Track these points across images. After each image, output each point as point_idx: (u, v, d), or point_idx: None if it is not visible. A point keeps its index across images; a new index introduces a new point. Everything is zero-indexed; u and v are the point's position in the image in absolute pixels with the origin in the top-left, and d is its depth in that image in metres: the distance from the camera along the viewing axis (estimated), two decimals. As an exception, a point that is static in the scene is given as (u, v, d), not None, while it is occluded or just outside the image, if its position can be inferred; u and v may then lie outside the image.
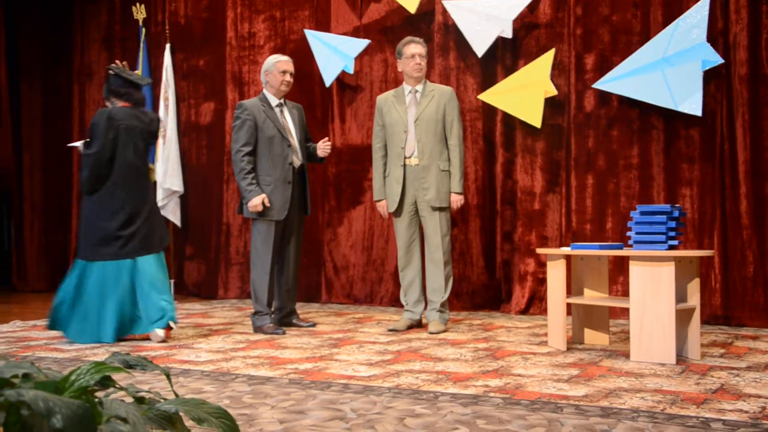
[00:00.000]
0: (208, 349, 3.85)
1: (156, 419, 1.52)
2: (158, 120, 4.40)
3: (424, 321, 4.64)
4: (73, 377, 1.47)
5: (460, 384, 2.91)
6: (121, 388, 1.58)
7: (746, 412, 2.44)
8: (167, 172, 6.59)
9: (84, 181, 4.15)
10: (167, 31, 6.82)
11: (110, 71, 4.27)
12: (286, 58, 4.65)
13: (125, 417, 1.38)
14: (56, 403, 1.21)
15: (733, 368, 3.21)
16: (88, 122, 7.26)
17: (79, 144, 4.32)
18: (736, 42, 4.64)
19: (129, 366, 1.63)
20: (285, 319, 4.67)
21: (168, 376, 1.68)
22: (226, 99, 6.54)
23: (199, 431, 2.20)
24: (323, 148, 4.66)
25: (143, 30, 6.90)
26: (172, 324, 4.11)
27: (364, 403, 2.59)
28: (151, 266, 4.15)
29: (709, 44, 4.60)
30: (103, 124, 4.08)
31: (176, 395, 1.69)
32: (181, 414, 1.56)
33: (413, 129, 4.44)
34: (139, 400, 1.57)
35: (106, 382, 1.51)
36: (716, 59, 4.59)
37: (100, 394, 1.54)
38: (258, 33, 6.41)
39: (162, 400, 1.61)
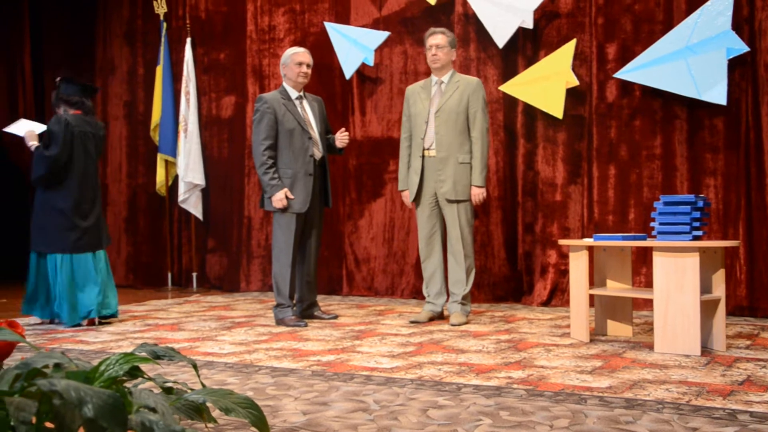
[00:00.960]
0: (231, 341, 3.87)
1: (184, 409, 1.54)
2: (104, 127, 4.92)
3: (445, 313, 4.63)
4: (102, 367, 1.49)
5: (483, 376, 2.90)
6: (150, 379, 1.59)
7: (773, 403, 2.41)
8: (189, 165, 6.62)
9: (38, 178, 4.50)
10: (188, 26, 6.85)
11: (59, 79, 4.67)
12: (302, 50, 4.66)
13: (154, 407, 1.39)
14: (87, 392, 1.22)
15: (759, 360, 3.17)
16: (110, 116, 7.39)
17: (16, 131, 4.68)
18: (762, 29, 4.56)
19: (157, 357, 1.65)
20: (307, 312, 4.69)
21: (195, 367, 1.70)
22: (246, 92, 6.56)
23: (227, 421, 2.22)
24: (341, 138, 4.66)
25: (164, 24, 6.94)
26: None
27: (387, 395, 2.59)
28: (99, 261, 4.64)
29: (733, 32, 4.53)
30: (63, 130, 4.48)
31: (203, 386, 1.71)
32: (208, 404, 1.57)
33: (433, 120, 4.42)
34: (168, 391, 1.59)
35: (134, 373, 1.54)
36: (741, 47, 4.52)
37: (128, 384, 1.56)
38: (278, 26, 6.42)
39: (189, 391, 1.63)
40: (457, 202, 4.39)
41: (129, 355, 1.55)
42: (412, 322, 4.42)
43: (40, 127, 4.67)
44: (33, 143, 4.53)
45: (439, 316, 4.55)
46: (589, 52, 5.13)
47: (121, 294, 6.57)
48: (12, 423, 1.21)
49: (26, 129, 4.64)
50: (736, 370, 2.96)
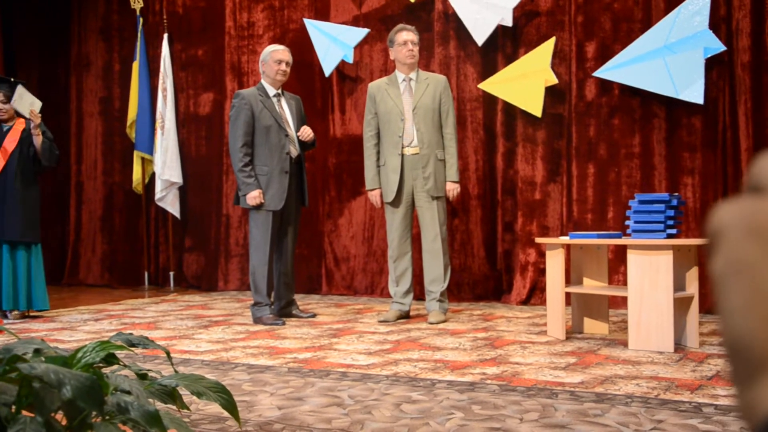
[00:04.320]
0: (208, 339, 3.85)
1: (157, 393, 1.60)
2: None
3: (411, 313, 4.62)
4: (80, 354, 1.56)
5: (458, 372, 2.90)
6: (125, 366, 1.66)
7: (743, 398, 2.43)
8: (166, 163, 6.55)
9: (48, 168, 4.99)
10: (165, 21, 6.78)
11: (20, 83, 4.86)
12: (282, 47, 4.63)
13: (129, 390, 1.45)
14: (66, 375, 1.28)
15: (732, 356, 3.19)
16: (86, 112, 7.31)
17: (21, 109, 4.73)
18: (739, 28, 4.59)
19: (132, 344, 1.72)
20: (284, 310, 4.66)
21: (168, 354, 1.76)
22: (225, 89, 6.51)
23: (202, 416, 2.20)
24: (302, 136, 4.57)
25: (141, 20, 6.86)
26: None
27: (362, 390, 2.60)
28: None
29: (711, 31, 4.56)
30: None
31: (176, 372, 1.74)
32: (180, 389, 1.60)
33: (411, 117, 4.41)
34: (142, 376, 1.66)
35: (110, 360, 1.61)
36: (718, 46, 4.55)
37: (105, 371, 1.62)
38: (257, 22, 6.38)
39: (162, 377, 1.67)
40: (437, 198, 4.40)
41: (105, 343, 1.61)
42: (381, 321, 4.40)
43: (37, 103, 4.78)
44: (39, 136, 4.75)
45: (406, 315, 4.53)
46: (569, 51, 5.14)
47: (97, 293, 6.52)
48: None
49: (28, 104, 4.72)
50: (707, 365, 2.98)
